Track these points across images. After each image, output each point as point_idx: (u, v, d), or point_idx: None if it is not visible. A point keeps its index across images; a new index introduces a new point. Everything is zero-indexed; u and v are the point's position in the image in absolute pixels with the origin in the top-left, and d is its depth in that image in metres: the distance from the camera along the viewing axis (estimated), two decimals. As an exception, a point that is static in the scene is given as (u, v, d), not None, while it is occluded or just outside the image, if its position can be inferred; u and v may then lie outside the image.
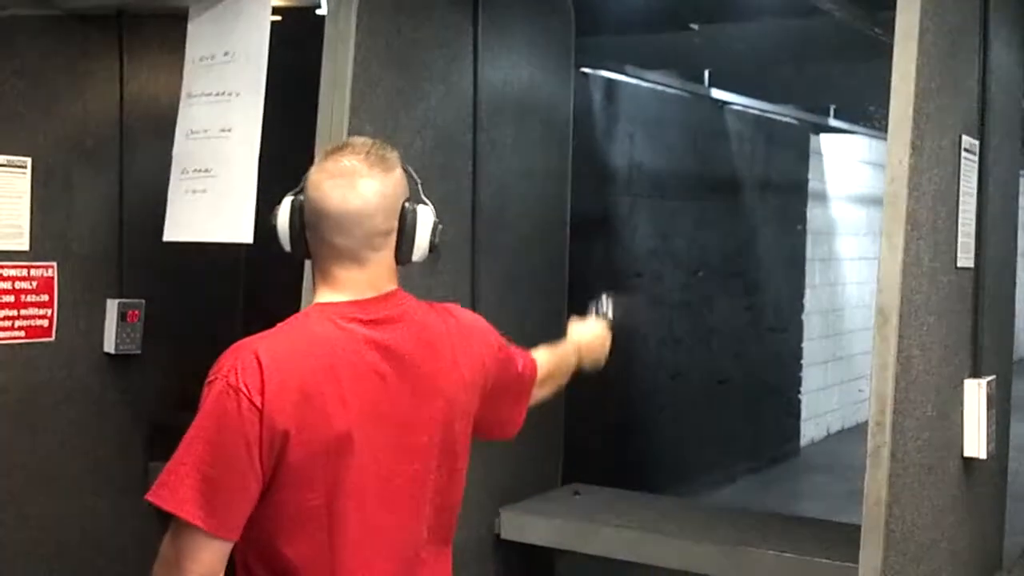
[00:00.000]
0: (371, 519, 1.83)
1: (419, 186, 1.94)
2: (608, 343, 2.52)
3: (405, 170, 1.91)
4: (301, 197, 1.87)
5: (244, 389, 1.72)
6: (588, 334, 2.50)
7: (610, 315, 2.57)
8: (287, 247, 1.91)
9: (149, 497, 1.72)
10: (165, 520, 1.74)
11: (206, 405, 1.74)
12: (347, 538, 1.80)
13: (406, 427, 1.87)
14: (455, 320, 2.01)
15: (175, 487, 1.70)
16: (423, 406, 1.89)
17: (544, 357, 2.30)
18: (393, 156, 1.88)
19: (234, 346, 1.80)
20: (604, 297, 2.61)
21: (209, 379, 1.76)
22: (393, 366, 1.85)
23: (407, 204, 1.88)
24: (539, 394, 2.28)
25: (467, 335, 2.02)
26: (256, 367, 1.73)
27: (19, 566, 3.55)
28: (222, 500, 1.71)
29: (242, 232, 2.95)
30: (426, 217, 1.91)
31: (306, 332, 1.82)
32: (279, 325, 1.85)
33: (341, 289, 1.86)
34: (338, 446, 1.78)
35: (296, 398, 1.74)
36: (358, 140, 1.89)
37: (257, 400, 1.72)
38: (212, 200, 3.02)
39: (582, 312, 2.58)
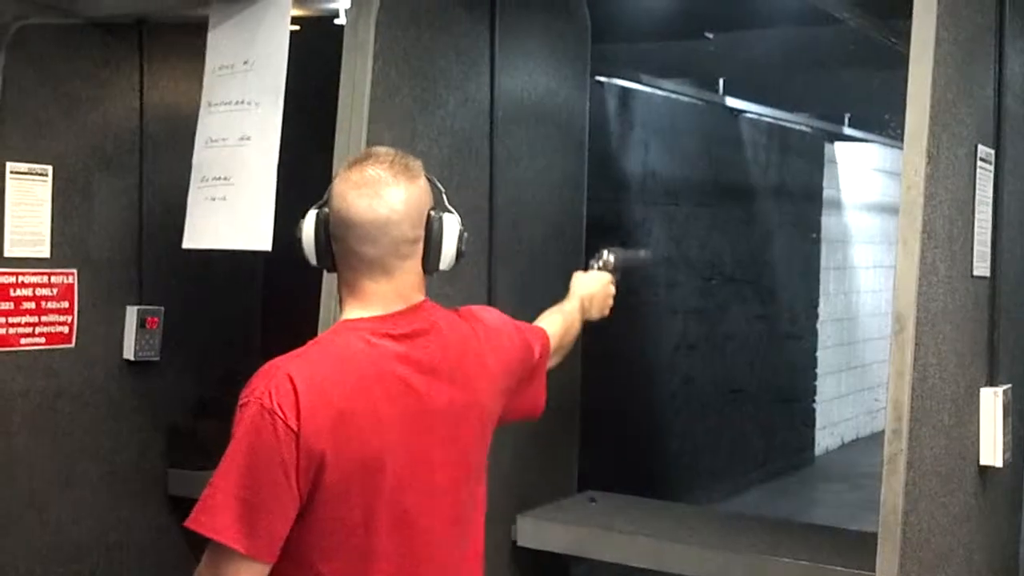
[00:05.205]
0: (410, 532, 1.83)
1: (443, 195, 1.96)
2: (612, 291, 2.62)
3: (428, 179, 1.91)
4: (326, 209, 1.87)
5: (279, 412, 1.70)
6: (592, 285, 2.58)
7: (612, 266, 2.67)
8: (312, 260, 1.90)
9: (188, 524, 1.70)
10: (190, 533, 1.73)
11: (240, 428, 1.72)
12: (384, 553, 1.80)
13: (443, 439, 1.87)
14: (482, 325, 2.02)
15: (213, 513, 1.69)
16: (458, 417, 1.90)
17: (553, 328, 2.34)
18: (416, 165, 1.88)
19: (265, 367, 1.78)
20: (605, 252, 2.69)
21: (242, 401, 1.74)
22: (426, 379, 1.85)
23: (433, 212, 1.89)
24: (550, 364, 2.28)
25: (495, 339, 2.03)
26: (291, 389, 1.71)
27: (38, 569, 3.57)
28: (261, 523, 1.69)
29: (260, 240, 2.97)
30: (452, 225, 1.92)
31: (338, 351, 1.81)
32: (309, 344, 1.84)
33: (369, 303, 1.85)
34: (374, 464, 1.78)
35: (331, 419, 1.73)
36: (381, 150, 1.89)
37: (293, 423, 1.70)
38: (231, 208, 3.04)
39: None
